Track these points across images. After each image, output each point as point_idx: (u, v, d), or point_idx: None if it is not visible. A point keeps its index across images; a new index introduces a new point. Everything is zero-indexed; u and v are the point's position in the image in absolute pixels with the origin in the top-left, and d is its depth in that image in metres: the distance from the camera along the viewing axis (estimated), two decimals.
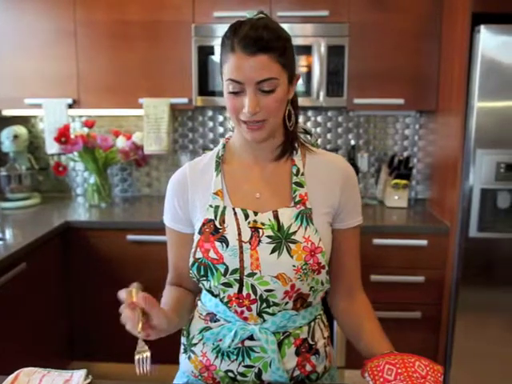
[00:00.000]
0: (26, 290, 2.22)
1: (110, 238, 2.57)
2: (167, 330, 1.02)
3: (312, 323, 1.16)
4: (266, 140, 1.11)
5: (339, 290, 1.22)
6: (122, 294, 0.94)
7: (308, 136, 1.25)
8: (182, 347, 1.23)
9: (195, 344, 1.18)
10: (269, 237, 1.08)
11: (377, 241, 2.45)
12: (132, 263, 2.56)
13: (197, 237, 1.12)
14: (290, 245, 1.07)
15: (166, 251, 1.25)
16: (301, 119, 3.10)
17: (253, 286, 1.08)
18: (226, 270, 1.08)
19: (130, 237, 2.54)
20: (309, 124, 3.09)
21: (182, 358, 1.22)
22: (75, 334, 2.67)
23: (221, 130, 3.14)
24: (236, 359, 1.12)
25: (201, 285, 1.15)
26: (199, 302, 1.22)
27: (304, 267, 1.07)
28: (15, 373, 1.09)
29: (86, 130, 2.92)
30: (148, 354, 0.95)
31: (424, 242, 2.46)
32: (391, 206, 2.86)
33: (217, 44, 2.61)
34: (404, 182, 2.81)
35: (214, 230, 1.10)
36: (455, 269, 2.42)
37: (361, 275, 1.23)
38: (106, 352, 2.68)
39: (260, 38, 0.99)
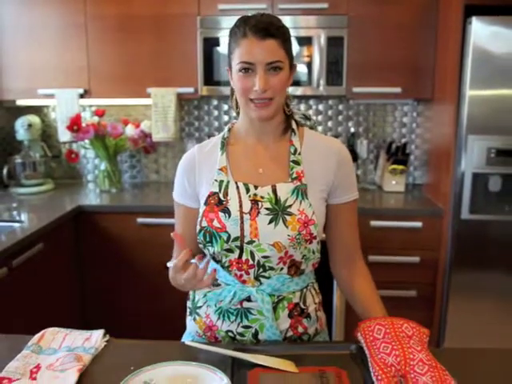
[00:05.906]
0: (43, 268, 2.35)
1: (121, 221, 2.69)
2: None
3: (304, 289, 1.30)
4: (271, 118, 1.24)
5: (339, 259, 1.36)
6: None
7: (307, 122, 1.39)
8: (188, 310, 1.38)
9: (200, 307, 1.32)
10: (267, 209, 1.22)
11: (374, 223, 2.57)
12: (142, 244, 2.69)
13: (202, 207, 1.26)
14: (286, 216, 1.21)
15: None
16: (302, 107, 3.22)
17: (251, 253, 1.22)
18: (228, 237, 1.22)
19: (140, 220, 2.66)
20: (310, 112, 3.19)
21: (188, 319, 1.37)
22: (88, 313, 2.80)
23: (225, 118, 3.26)
24: (235, 320, 1.26)
25: (206, 250, 1.29)
26: None
27: (297, 237, 1.20)
28: (41, 332, 1.23)
29: (96, 118, 3.03)
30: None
31: (419, 224, 2.57)
32: (389, 190, 2.97)
33: (221, 35, 2.73)
34: (401, 167, 2.92)
35: (218, 202, 1.24)
36: (449, 249, 2.54)
37: (360, 245, 1.37)
38: (119, 331, 2.79)
39: (270, 24, 1.16)
